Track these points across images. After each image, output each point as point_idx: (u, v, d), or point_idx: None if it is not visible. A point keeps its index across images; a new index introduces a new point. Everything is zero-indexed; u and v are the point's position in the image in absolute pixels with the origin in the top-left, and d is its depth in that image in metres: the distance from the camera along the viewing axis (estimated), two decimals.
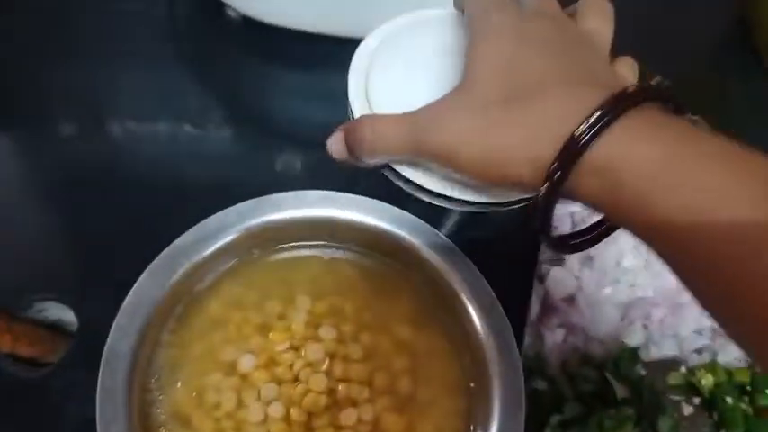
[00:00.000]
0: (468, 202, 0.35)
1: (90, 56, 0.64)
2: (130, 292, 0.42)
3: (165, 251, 0.43)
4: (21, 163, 0.61)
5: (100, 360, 0.41)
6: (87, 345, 0.51)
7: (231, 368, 0.42)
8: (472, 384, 0.43)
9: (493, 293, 0.45)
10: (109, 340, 0.40)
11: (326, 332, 0.44)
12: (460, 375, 0.45)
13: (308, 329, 0.44)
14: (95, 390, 0.40)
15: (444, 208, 0.51)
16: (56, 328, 0.55)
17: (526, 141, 0.29)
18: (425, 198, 0.36)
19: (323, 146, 0.37)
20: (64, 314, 0.55)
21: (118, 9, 0.66)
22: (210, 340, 0.44)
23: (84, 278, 0.54)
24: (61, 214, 0.58)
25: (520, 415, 0.40)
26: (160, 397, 0.42)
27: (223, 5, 0.64)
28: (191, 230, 0.44)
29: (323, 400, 0.41)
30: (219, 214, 0.45)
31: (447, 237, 0.47)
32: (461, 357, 0.45)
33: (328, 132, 0.37)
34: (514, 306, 0.49)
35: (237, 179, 0.57)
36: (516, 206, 0.36)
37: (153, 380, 0.42)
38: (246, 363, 0.42)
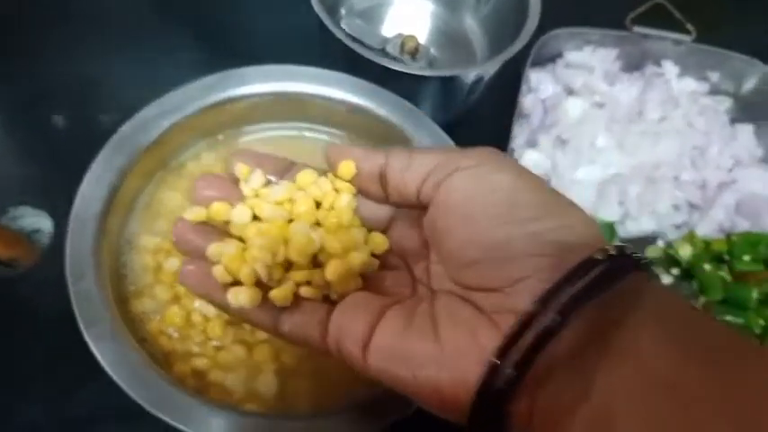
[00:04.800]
0: None
1: None
2: (93, 163, 0.41)
3: (127, 124, 0.43)
4: None
5: None
6: (62, 244, 0.51)
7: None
8: None
9: None
10: (74, 207, 0.40)
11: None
12: None
13: None
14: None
15: (420, 86, 0.51)
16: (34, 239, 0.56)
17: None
18: None
19: None
20: (41, 223, 0.55)
21: None
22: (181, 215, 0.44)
23: (58, 182, 0.54)
24: (32, 122, 0.58)
25: None
26: (132, 260, 0.42)
27: None
28: (153, 104, 0.44)
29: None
30: (182, 88, 0.45)
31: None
32: None
33: None
34: None
35: None
36: None
37: (125, 245, 0.42)
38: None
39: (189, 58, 0.63)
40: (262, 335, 0.41)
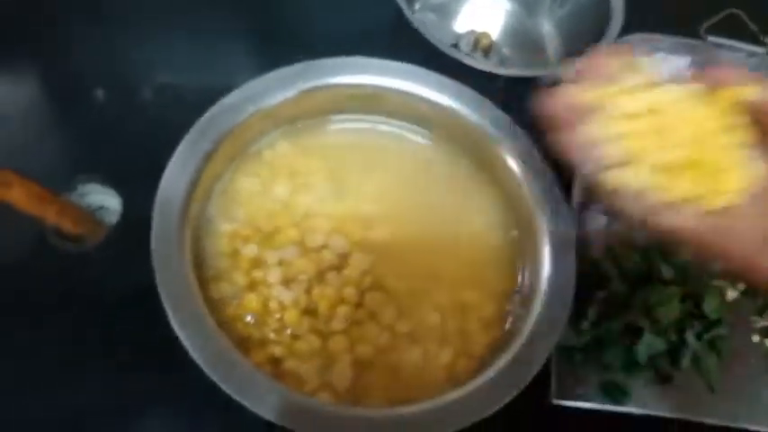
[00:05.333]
0: None
1: None
2: (179, 146, 0.42)
3: (212, 109, 0.43)
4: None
5: (143, 236, 0.40)
6: (131, 222, 0.52)
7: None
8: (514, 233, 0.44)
9: (540, 153, 0.45)
10: (160, 189, 0.40)
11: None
12: (510, 246, 0.45)
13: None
14: (138, 262, 0.39)
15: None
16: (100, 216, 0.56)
17: None
18: None
19: None
20: (108, 201, 0.55)
21: None
22: (258, 202, 0.44)
23: (127, 162, 0.54)
24: (103, 102, 0.58)
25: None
26: (210, 245, 0.42)
27: None
28: (236, 91, 0.44)
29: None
30: (263, 77, 0.45)
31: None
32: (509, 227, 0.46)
33: None
34: None
35: None
36: None
37: (204, 230, 0.42)
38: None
39: (256, 47, 0.63)
40: (337, 325, 0.41)
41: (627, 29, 0.57)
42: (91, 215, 0.54)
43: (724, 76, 0.31)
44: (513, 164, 0.45)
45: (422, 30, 0.49)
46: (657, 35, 0.61)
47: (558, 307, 0.40)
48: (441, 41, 0.50)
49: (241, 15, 0.64)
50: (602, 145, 0.29)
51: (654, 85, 0.30)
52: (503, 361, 0.38)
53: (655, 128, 0.29)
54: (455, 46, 0.57)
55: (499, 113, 0.46)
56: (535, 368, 0.38)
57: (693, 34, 0.60)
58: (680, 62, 0.62)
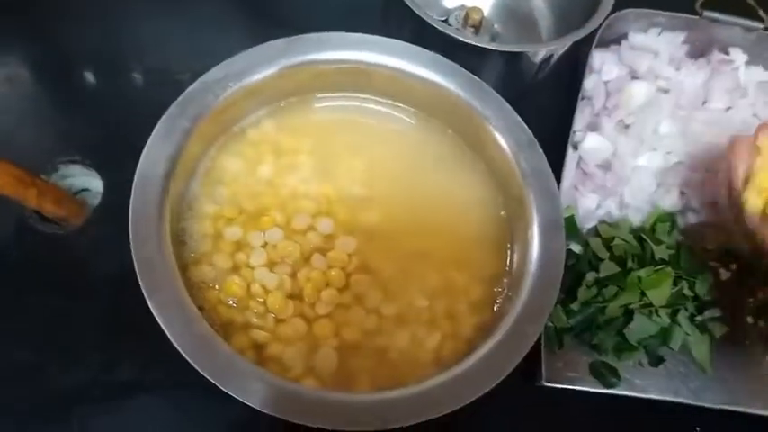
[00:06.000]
0: None
1: None
2: (158, 123, 0.40)
3: (194, 85, 0.42)
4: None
5: (126, 218, 0.39)
6: (113, 204, 0.51)
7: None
8: (502, 213, 0.43)
9: (530, 132, 0.44)
10: (139, 166, 0.39)
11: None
12: (498, 227, 0.44)
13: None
14: (120, 245, 0.38)
15: (485, 61, 0.49)
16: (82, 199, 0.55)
17: None
18: None
19: None
20: (91, 183, 0.54)
21: None
22: (242, 183, 0.43)
23: (110, 143, 0.53)
24: (86, 82, 0.57)
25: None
26: (191, 227, 0.41)
27: None
28: (218, 67, 0.42)
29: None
30: (246, 53, 0.43)
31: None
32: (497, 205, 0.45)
33: None
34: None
35: None
36: None
37: (186, 211, 0.41)
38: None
39: (239, 24, 0.62)
40: (322, 309, 0.40)
41: (620, 4, 0.56)
42: (72, 197, 0.53)
43: None
44: (502, 142, 0.44)
45: (411, 4, 0.47)
46: (653, 10, 0.60)
47: (548, 288, 0.39)
48: (430, 16, 0.48)
49: None
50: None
51: None
52: (491, 343, 0.38)
53: None
54: (445, 21, 0.55)
55: (489, 90, 0.45)
56: (524, 351, 0.37)
57: (688, 9, 0.59)
58: (675, 38, 0.61)
